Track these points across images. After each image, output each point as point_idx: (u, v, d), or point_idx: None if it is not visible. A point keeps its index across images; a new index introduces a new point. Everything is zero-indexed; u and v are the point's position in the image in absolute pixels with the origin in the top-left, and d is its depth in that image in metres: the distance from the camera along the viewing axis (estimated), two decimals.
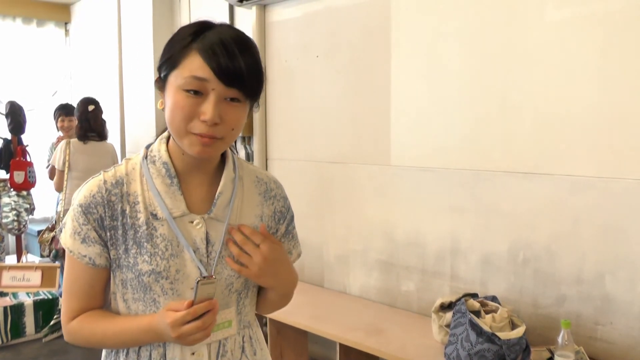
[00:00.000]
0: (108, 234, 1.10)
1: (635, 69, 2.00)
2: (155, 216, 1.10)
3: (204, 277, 1.03)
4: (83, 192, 1.11)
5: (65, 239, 1.11)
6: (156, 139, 1.17)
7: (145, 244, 1.09)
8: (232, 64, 1.00)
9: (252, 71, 1.03)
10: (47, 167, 4.71)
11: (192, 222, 1.11)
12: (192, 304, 1.02)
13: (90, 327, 1.12)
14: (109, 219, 1.09)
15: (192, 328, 1.01)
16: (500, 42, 2.36)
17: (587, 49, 2.11)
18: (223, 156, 1.18)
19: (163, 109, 1.09)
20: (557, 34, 2.19)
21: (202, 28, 1.03)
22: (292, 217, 1.29)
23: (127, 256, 1.10)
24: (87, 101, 4.16)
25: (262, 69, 1.06)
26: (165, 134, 1.15)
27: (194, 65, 1.00)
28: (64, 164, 4.02)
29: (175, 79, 1.02)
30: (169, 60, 1.04)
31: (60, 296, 3.60)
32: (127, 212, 1.10)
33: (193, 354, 1.13)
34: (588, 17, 2.10)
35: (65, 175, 4.01)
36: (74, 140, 4.10)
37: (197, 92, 1.01)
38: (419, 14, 2.64)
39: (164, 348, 1.13)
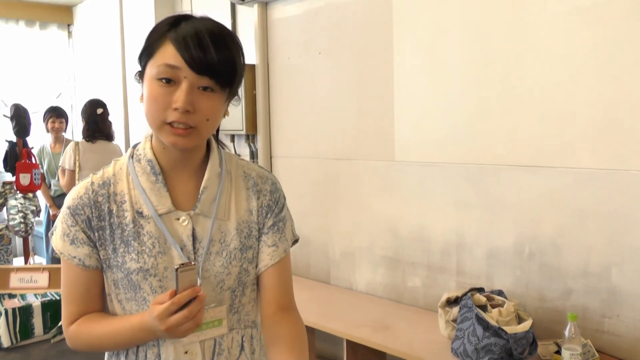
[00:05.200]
0: (96, 234, 1.10)
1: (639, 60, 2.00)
2: (141, 214, 1.10)
3: (182, 265, 0.99)
4: (72, 195, 1.12)
5: (56, 241, 1.12)
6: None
7: (132, 242, 1.09)
8: (203, 53, 1.00)
9: (225, 61, 1.03)
10: (43, 170, 4.73)
11: (178, 219, 1.11)
12: (175, 293, 0.99)
13: (87, 330, 1.12)
14: (96, 220, 1.10)
15: (180, 318, 0.99)
16: (503, 35, 2.35)
17: (590, 40, 2.11)
18: (209, 151, 1.18)
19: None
20: (560, 26, 2.18)
21: (179, 19, 1.05)
22: (282, 209, 1.24)
23: (115, 255, 1.10)
24: (95, 104, 4.23)
25: (237, 60, 1.06)
26: (150, 131, 1.16)
27: (167, 54, 1.01)
28: (74, 163, 4.06)
29: (151, 69, 1.04)
30: (145, 50, 1.06)
31: None
32: (114, 211, 1.10)
33: (186, 352, 1.12)
34: (590, 9, 2.09)
35: (77, 175, 4.05)
36: (82, 141, 4.16)
37: (169, 81, 1.01)
38: (421, 8, 2.64)
39: (158, 348, 1.12)
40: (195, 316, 1.01)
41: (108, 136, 4.24)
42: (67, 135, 4.94)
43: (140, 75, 1.09)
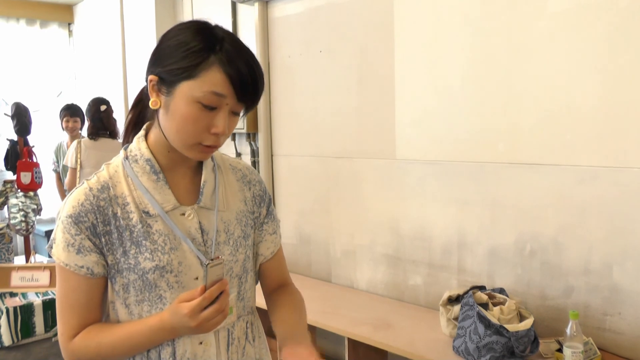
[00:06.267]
0: (102, 240, 1.09)
1: None
2: (147, 213, 1.10)
3: (212, 260, 1.03)
4: (70, 203, 1.09)
5: (59, 253, 1.08)
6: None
7: (143, 242, 1.09)
8: (254, 89, 1.05)
9: (261, 94, 1.09)
10: (55, 169, 4.74)
11: (183, 214, 1.13)
12: (204, 289, 1.02)
13: (96, 340, 1.09)
14: (101, 225, 1.08)
15: (212, 312, 1.02)
16: (504, 33, 2.35)
17: (591, 38, 2.10)
18: None
19: (157, 109, 1.08)
20: (561, 24, 2.17)
21: (212, 40, 1.02)
22: (270, 198, 1.32)
23: (126, 258, 1.09)
24: (99, 101, 4.24)
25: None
26: (142, 132, 1.15)
27: (216, 81, 1.01)
28: (76, 161, 4.07)
29: (191, 90, 1.01)
30: (183, 69, 1.01)
31: None
32: (119, 214, 1.09)
33: (201, 343, 1.14)
34: (592, 7, 2.09)
35: (78, 173, 4.06)
36: (85, 139, 4.16)
37: (213, 108, 1.03)
38: (422, 6, 2.63)
39: (173, 346, 1.12)
40: (224, 309, 1.05)
41: (112, 133, 4.23)
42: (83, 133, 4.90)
43: (162, 85, 1.05)
